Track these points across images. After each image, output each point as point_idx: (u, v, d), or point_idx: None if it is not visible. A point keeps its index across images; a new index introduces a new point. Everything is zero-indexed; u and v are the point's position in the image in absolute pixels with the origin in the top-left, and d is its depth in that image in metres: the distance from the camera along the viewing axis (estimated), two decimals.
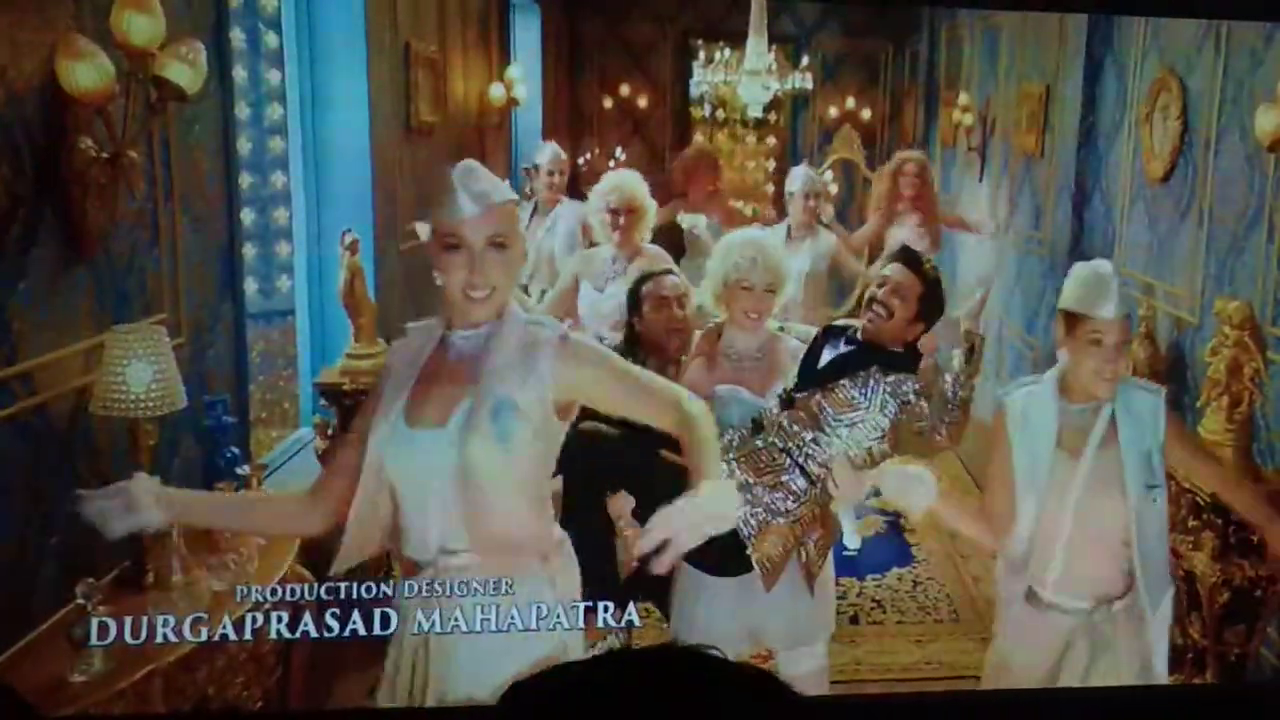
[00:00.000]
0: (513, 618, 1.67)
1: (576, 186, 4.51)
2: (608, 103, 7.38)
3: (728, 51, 6.19)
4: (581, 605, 1.72)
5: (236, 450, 2.53)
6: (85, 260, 2.23)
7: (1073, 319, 2.02)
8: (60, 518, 2.14)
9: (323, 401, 3.01)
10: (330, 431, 2.89)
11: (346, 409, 2.88)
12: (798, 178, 4.11)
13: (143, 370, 2.14)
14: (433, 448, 1.59)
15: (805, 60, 7.09)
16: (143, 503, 1.64)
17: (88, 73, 2.08)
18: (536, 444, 1.62)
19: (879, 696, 2.83)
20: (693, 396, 1.73)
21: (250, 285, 2.96)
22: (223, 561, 2.29)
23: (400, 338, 1.75)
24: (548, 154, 4.19)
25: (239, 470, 2.46)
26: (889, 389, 2.23)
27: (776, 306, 2.49)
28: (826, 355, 2.39)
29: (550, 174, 4.12)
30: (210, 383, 2.69)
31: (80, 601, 1.96)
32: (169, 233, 2.55)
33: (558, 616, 1.69)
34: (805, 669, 2.37)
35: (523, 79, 5.47)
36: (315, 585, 2.34)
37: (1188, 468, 2.10)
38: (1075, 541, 2.00)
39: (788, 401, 2.30)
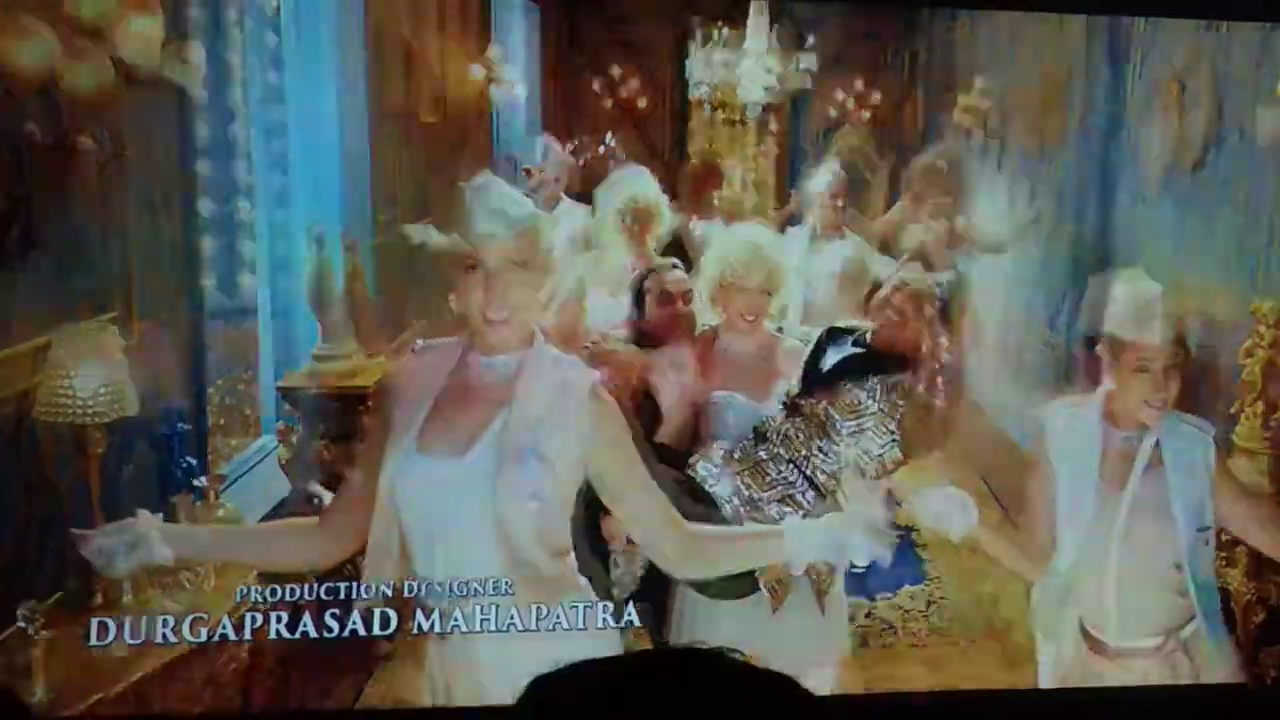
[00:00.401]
0: (512, 617, 1.66)
1: (571, 185, 4.43)
2: (607, 103, 7.39)
3: (726, 31, 6.18)
4: (581, 606, 1.71)
5: (193, 460, 2.44)
6: (30, 253, 2.11)
7: (1117, 343, 1.96)
8: (3, 534, 2.06)
9: (287, 407, 2.92)
10: (295, 439, 2.81)
11: (313, 415, 2.81)
12: (822, 178, 4.07)
13: (91, 373, 2.06)
14: (447, 478, 1.55)
15: (805, 60, 7.10)
16: (150, 539, 1.62)
17: (27, 50, 1.96)
18: (562, 492, 1.61)
19: (881, 695, 2.80)
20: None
21: (209, 281, 2.84)
22: (176, 580, 2.19)
23: (412, 356, 1.72)
24: (543, 152, 4.09)
25: (196, 481, 2.36)
26: (893, 387, 2.14)
27: (773, 308, 2.43)
28: (831, 357, 2.31)
29: (544, 171, 4.00)
30: (165, 387, 2.54)
31: (20, 625, 1.88)
32: (121, 224, 2.42)
33: (557, 618, 1.68)
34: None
35: (505, 63, 5.42)
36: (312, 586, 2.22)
37: (1227, 509, 2.02)
38: (1126, 576, 1.95)
39: (792, 408, 2.20)
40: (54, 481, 2.16)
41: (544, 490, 1.56)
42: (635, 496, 1.65)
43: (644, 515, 1.67)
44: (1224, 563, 2.54)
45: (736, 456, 2.16)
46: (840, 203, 3.94)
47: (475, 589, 1.61)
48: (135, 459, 2.39)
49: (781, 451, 2.15)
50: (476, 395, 1.59)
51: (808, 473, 2.13)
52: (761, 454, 2.16)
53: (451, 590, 1.61)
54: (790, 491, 2.13)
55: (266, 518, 2.46)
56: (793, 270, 2.53)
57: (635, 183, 3.20)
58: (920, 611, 3.41)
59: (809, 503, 2.11)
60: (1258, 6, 2.73)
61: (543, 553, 1.61)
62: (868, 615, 3.37)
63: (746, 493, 2.12)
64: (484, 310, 1.54)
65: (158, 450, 2.40)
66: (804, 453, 2.13)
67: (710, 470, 2.16)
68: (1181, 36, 3.70)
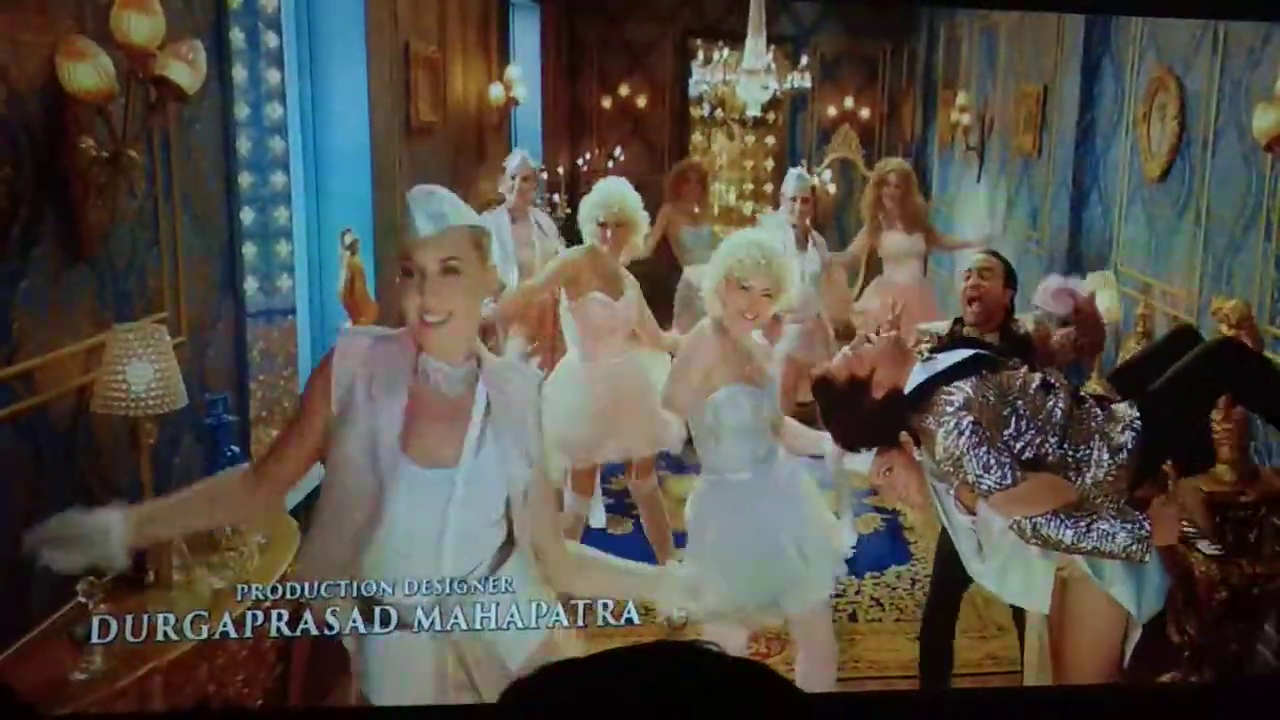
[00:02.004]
0: (512, 615, 1.67)
1: (576, 188, 4.53)
2: (607, 103, 7.38)
3: (726, 51, 6.19)
4: (581, 603, 1.73)
5: (237, 449, 2.52)
6: (86, 259, 2.23)
7: None
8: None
9: None
10: None
11: None
12: (789, 181, 4.19)
13: (143, 369, 2.14)
14: (442, 489, 1.58)
15: (804, 60, 7.10)
16: (95, 541, 1.63)
17: (88, 72, 2.08)
18: (548, 487, 1.68)
19: (877, 693, 2.86)
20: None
21: (250, 284, 2.96)
22: (223, 560, 2.30)
23: (354, 338, 1.68)
24: (515, 161, 4.18)
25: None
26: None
27: (774, 311, 2.49)
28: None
29: (513, 178, 4.08)
30: (211, 381, 2.69)
31: (81, 600, 1.94)
32: (169, 231, 2.55)
33: (557, 614, 1.70)
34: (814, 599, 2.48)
35: (522, 79, 5.47)
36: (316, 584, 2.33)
37: None
38: None
39: (1078, 399, 2.19)
40: (109, 471, 2.27)
41: (533, 489, 1.63)
42: (541, 503, 1.69)
43: (541, 524, 1.70)
44: (1187, 545, 2.69)
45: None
46: (804, 207, 4.03)
47: (478, 585, 1.63)
48: (184, 448, 2.51)
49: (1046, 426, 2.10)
50: (447, 405, 1.60)
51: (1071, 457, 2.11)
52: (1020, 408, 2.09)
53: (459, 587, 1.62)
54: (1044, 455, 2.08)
55: (303, 504, 2.54)
56: (795, 275, 2.55)
57: (612, 194, 3.26)
58: (906, 590, 3.56)
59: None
60: (1256, 6, 2.73)
61: (541, 541, 1.67)
62: (857, 593, 3.53)
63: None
64: (421, 312, 1.55)
65: (204, 440, 2.50)
66: (1077, 443, 2.10)
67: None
68: (1149, 64, 3.78)
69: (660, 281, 4.48)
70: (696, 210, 4.87)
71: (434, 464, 1.59)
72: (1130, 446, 2.11)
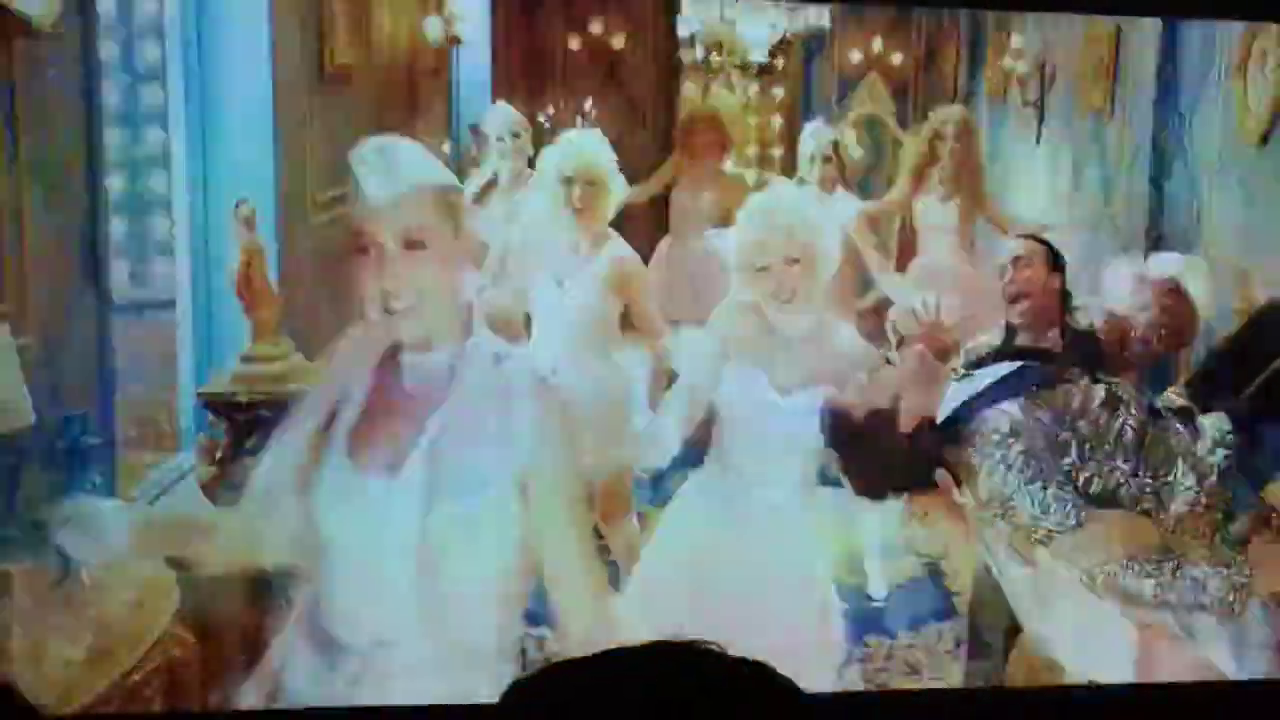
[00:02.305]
0: None
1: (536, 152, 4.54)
2: (575, 43, 7.40)
3: None
4: None
5: (99, 480, 2.52)
6: None
7: None
8: None
9: (210, 417, 2.96)
10: (219, 455, 2.87)
11: (240, 427, 2.86)
12: (806, 138, 4.36)
13: None
14: (382, 502, 1.56)
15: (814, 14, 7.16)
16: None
17: None
18: (514, 527, 1.59)
19: (878, 693, 3.00)
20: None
21: (118, 270, 2.95)
22: None
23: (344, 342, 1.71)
24: (500, 118, 4.21)
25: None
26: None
27: (820, 279, 2.46)
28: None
29: (501, 140, 4.14)
30: (66, 395, 2.66)
31: None
32: (13, 205, 2.51)
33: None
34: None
35: (465, 14, 5.48)
36: None
37: None
38: None
39: (1154, 413, 2.24)
40: None
41: (490, 527, 1.56)
42: (562, 533, 1.62)
43: (568, 569, 1.63)
44: None
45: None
46: (827, 166, 4.24)
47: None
48: (26, 480, 2.43)
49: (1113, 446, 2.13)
50: (408, 399, 1.59)
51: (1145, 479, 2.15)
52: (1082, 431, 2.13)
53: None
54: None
55: None
56: (824, 229, 2.50)
57: (580, 144, 3.24)
58: (948, 651, 3.52)
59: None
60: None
61: (491, 602, 1.61)
62: (888, 657, 3.51)
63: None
64: (386, 299, 1.53)
65: (57, 468, 2.46)
66: (1155, 469, 2.14)
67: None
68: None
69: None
70: (710, 171, 4.82)
71: (373, 471, 1.57)
72: (1223, 468, 2.13)
